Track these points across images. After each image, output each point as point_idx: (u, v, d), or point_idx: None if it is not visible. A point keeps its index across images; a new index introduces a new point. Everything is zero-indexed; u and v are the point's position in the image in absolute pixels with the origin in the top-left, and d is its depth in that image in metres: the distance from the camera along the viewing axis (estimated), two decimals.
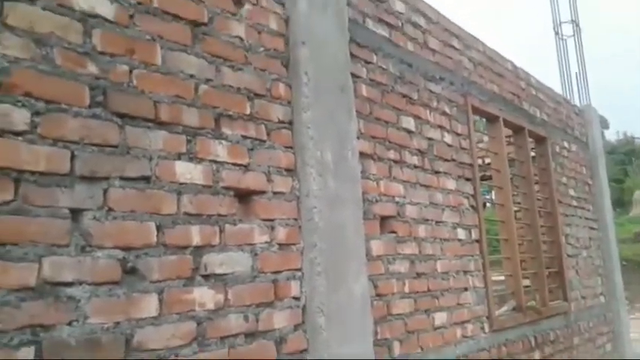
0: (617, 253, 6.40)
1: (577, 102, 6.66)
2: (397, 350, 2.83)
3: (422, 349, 3.02)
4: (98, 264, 1.66)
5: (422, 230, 3.24)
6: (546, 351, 4.43)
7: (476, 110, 4.12)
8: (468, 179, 3.83)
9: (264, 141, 2.30)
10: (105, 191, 1.71)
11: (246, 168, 2.18)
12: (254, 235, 2.17)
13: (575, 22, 6.88)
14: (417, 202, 3.24)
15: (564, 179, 5.53)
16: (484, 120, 4.56)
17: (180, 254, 1.89)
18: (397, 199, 3.08)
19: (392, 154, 3.11)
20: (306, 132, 2.43)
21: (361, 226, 2.64)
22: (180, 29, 2.05)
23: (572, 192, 5.65)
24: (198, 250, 1.94)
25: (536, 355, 4.26)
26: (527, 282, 4.69)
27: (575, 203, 5.66)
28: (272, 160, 2.31)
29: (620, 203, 35.55)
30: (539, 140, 5.19)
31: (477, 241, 3.79)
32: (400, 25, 3.38)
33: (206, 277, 1.95)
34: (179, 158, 1.94)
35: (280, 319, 2.20)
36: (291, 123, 2.45)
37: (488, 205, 8.63)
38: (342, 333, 2.37)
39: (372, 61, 3.07)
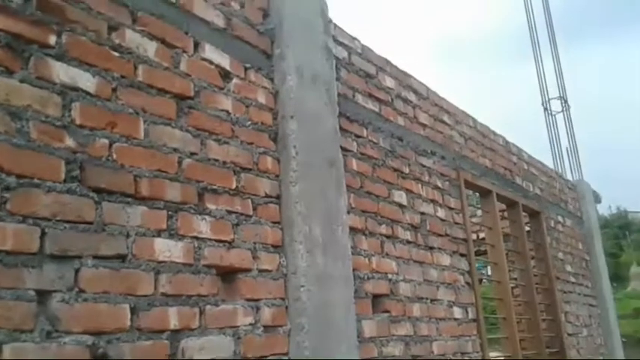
0: (618, 331, 6.19)
1: (569, 177, 6.67)
2: None
3: None
4: (65, 350, 1.53)
5: (416, 309, 3.10)
6: None
7: (468, 184, 4.08)
8: (462, 255, 3.73)
9: (250, 216, 2.22)
10: (76, 271, 1.60)
11: (230, 244, 2.08)
12: (237, 316, 2.03)
13: (563, 99, 7.02)
14: (410, 279, 3.12)
15: (560, 254, 5.42)
16: (477, 194, 4.52)
17: (155, 339, 1.75)
18: (390, 276, 2.96)
19: (384, 229, 3.02)
20: (295, 207, 2.35)
21: (352, 306, 2.51)
22: (165, 103, 2.02)
23: (569, 268, 5.53)
24: (176, 335, 1.81)
25: None
26: None
27: (572, 279, 5.53)
28: (258, 236, 2.22)
29: (617, 278, 35.19)
30: (534, 215, 5.13)
31: (474, 320, 3.63)
32: (390, 100, 3.39)
33: None
34: (159, 235, 1.85)
35: None
36: (278, 197, 2.38)
37: (485, 281, 8.47)
38: None
39: (362, 135, 3.04)
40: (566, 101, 6.97)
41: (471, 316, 3.60)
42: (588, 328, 5.57)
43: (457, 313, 3.48)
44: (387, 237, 3.04)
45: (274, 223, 2.32)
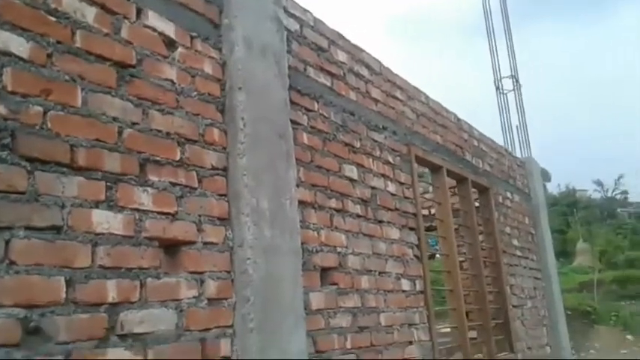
0: (562, 303, 6.46)
1: (518, 154, 6.84)
2: None
3: None
4: None
5: (365, 281, 3.14)
6: None
7: (419, 160, 4.13)
8: (412, 229, 3.79)
9: (195, 188, 2.18)
10: (7, 242, 1.54)
11: (173, 217, 2.05)
12: (180, 289, 2.01)
13: (514, 77, 7.16)
14: (359, 252, 3.15)
15: (508, 229, 5.58)
16: (428, 170, 4.58)
17: (93, 312, 1.71)
18: (339, 249, 2.98)
19: (334, 203, 3.03)
20: (242, 179, 2.32)
21: (300, 278, 2.52)
22: (105, 70, 1.94)
23: (515, 242, 5.70)
24: (115, 308, 1.77)
25: None
26: (473, 334, 4.63)
27: (519, 253, 5.71)
28: (203, 209, 2.19)
29: (564, 254, 36.64)
30: (483, 190, 5.25)
31: (422, 292, 3.71)
32: (342, 74, 3.38)
33: (123, 337, 1.78)
34: (97, 206, 1.80)
35: None
36: (225, 170, 2.34)
37: (438, 256, 8.65)
38: None
39: (313, 108, 3.02)
40: (517, 80, 7.12)
41: (418, 288, 3.68)
42: (533, 300, 5.78)
43: (405, 285, 3.54)
44: (337, 211, 3.05)
45: (221, 195, 2.29)
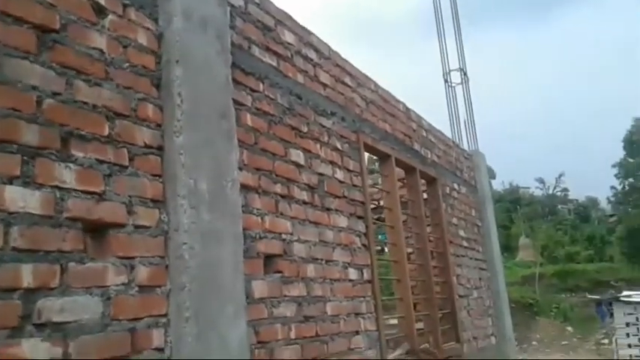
0: (507, 294, 6.56)
1: (466, 147, 6.90)
2: None
3: None
4: None
5: (311, 270, 3.04)
6: None
7: (368, 148, 4.06)
8: (360, 217, 3.71)
9: (126, 167, 2.02)
10: None
11: (100, 197, 1.88)
12: (107, 275, 1.85)
13: (462, 71, 7.22)
14: (305, 239, 3.05)
15: (455, 220, 5.61)
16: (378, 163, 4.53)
17: (5, 298, 1.54)
18: (284, 236, 2.87)
19: (279, 188, 2.91)
20: (178, 159, 2.17)
21: (241, 265, 2.38)
22: (23, 34, 1.76)
23: (462, 233, 5.74)
24: (31, 294, 1.60)
25: None
26: (420, 324, 4.61)
27: (465, 244, 5.75)
28: (135, 189, 2.02)
29: (507, 249, 37.71)
30: (430, 181, 5.25)
31: (369, 281, 3.64)
32: (290, 55, 3.26)
33: (40, 326, 1.60)
34: (10, 182, 1.61)
35: None
36: (161, 149, 2.19)
37: (387, 250, 8.65)
38: None
39: (258, 89, 2.89)
40: (465, 74, 7.18)
41: (366, 277, 3.61)
42: (478, 291, 5.84)
43: (352, 274, 3.46)
44: (282, 196, 2.94)
45: (155, 175, 2.13)
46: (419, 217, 4.80)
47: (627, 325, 11.71)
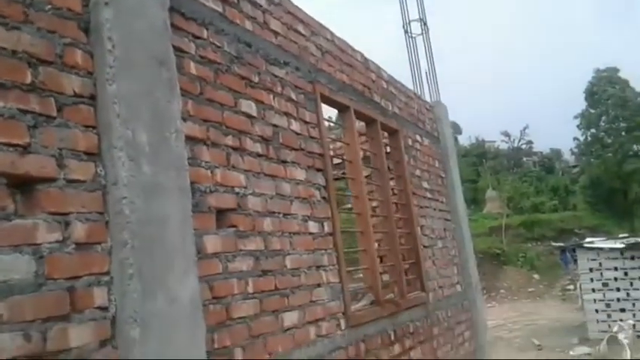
0: (471, 243, 6.64)
1: (428, 99, 6.83)
2: (240, 357, 2.50)
3: (270, 354, 2.72)
4: None
5: (267, 224, 2.96)
6: (406, 344, 4.36)
7: (325, 99, 3.95)
8: (319, 170, 3.63)
9: (54, 117, 1.87)
10: None
11: (24, 149, 1.74)
12: (38, 233, 1.73)
13: (423, 21, 7.09)
14: (261, 193, 2.95)
15: (418, 172, 5.58)
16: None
17: None
18: (237, 189, 2.77)
19: (230, 141, 2.79)
20: (113, 108, 2.03)
21: (190, 220, 2.28)
22: None
23: (425, 184, 5.73)
24: None
25: (396, 348, 4.16)
26: (386, 277, 4.62)
27: (429, 195, 5.75)
28: (65, 141, 1.89)
29: (475, 202, 38.47)
30: (392, 133, 5.18)
31: (331, 234, 3.59)
32: (236, 1, 3.09)
33: None
34: None
35: (79, 335, 1.78)
36: (93, 98, 2.04)
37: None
38: (163, 345, 1.99)
39: (201, 36, 2.73)
40: (425, 24, 7.06)
41: (327, 230, 3.55)
42: (443, 241, 5.88)
43: (312, 227, 3.40)
44: (234, 149, 2.82)
45: (88, 127, 1.99)
46: (381, 170, 4.75)
47: (590, 270, 12.05)
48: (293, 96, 3.50)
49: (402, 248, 4.88)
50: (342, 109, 4.29)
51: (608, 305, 11.74)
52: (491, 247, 24.81)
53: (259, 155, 3.02)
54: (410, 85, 6.48)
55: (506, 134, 52.78)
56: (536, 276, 23.76)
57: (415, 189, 5.38)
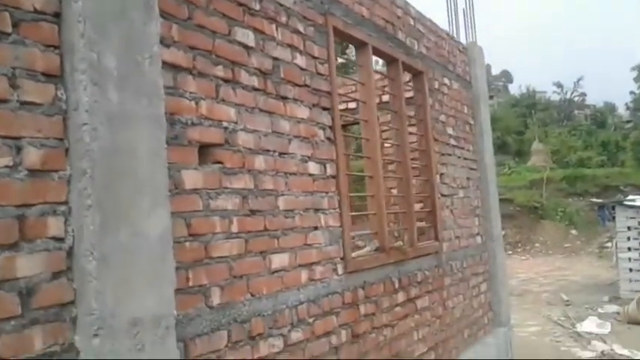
0: (497, 194, 6.38)
1: (463, 40, 6.41)
2: (217, 297, 2.43)
3: (252, 295, 2.65)
4: None
5: (260, 162, 2.82)
6: (412, 292, 4.25)
7: (339, 33, 3.70)
8: (325, 108, 3.44)
9: (8, 34, 1.74)
10: None
11: None
12: None
13: None
14: (254, 129, 2.81)
15: (442, 117, 5.31)
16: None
17: None
18: (226, 124, 2.63)
19: (220, 71, 2.63)
20: (77, 27, 1.88)
21: (163, 152, 2.16)
22: None
23: (450, 130, 5.45)
24: None
25: (400, 296, 4.06)
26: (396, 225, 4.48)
27: (453, 142, 5.49)
28: (20, 60, 1.76)
29: (520, 153, 37.47)
30: (416, 74, 4.90)
31: (334, 176, 3.44)
32: None
33: None
34: None
35: (29, 265, 1.71)
36: (57, 15, 1.89)
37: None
38: (123, 281, 1.92)
39: None
40: None
41: (330, 172, 3.40)
42: (465, 190, 5.65)
43: (313, 168, 3.25)
44: (226, 81, 2.66)
45: (49, 46, 1.86)
46: (400, 113, 4.51)
47: (628, 228, 11.60)
48: (300, 28, 3.28)
49: (418, 196, 4.70)
50: (358, 45, 4.03)
51: None
52: (531, 200, 24.22)
53: (255, 89, 2.85)
54: (445, 24, 6.08)
55: (559, 85, 50.72)
56: (573, 231, 23.17)
57: (438, 135, 5.13)
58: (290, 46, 3.17)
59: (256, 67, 2.88)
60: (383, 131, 5.24)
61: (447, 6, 6.44)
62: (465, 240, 5.49)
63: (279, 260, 2.85)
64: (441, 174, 5.09)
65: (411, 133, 4.71)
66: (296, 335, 2.90)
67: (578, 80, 49.96)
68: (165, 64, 2.30)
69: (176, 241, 2.25)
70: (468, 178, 5.75)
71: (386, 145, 4.77)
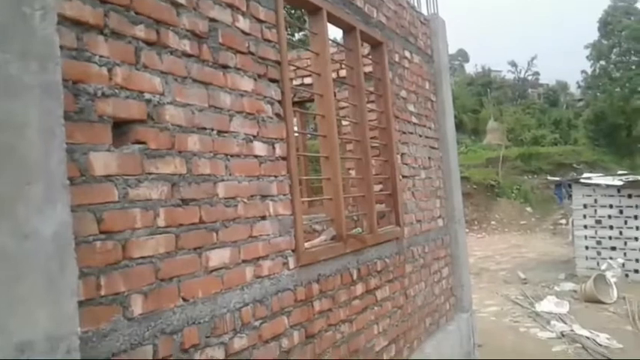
0: (458, 174, 6.11)
1: (424, 11, 6.04)
2: (138, 306, 2.01)
3: (185, 299, 2.23)
4: None
5: (194, 142, 2.39)
6: (372, 283, 3.92)
7: None
8: (273, 80, 3.01)
9: None
10: None
11: None
12: None
13: None
14: (185, 103, 2.36)
15: (403, 93, 4.95)
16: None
17: None
18: (149, 96, 2.18)
19: (141, 32, 2.17)
20: None
21: (60, 130, 1.70)
22: None
23: (412, 108, 5.11)
24: None
25: (359, 288, 3.72)
26: (355, 210, 4.12)
27: (414, 120, 5.14)
28: None
29: (476, 132, 37.87)
30: (376, 45, 4.51)
31: (284, 158, 3.03)
32: None
33: None
34: None
35: None
36: None
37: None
38: (3, 295, 1.48)
39: None
40: None
41: (279, 153, 2.99)
42: (427, 171, 5.33)
43: (259, 149, 2.84)
44: (149, 43, 2.20)
45: None
46: (357, 87, 4.12)
47: (584, 206, 11.65)
48: None
49: (377, 177, 4.35)
50: (312, 10, 3.61)
51: (599, 243, 11.42)
52: (487, 178, 24.43)
53: (187, 55, 2.40)
54: None
55: (513, 64, 51.33)
56: (528, 209, 23.54)
57: (398, 112, 4.77)
58: (230, 5, 2.72)
59: (188, 28, 2.42)
60: (341, 108, 4.88)
61: None
62: (427, 223, 5.19)
63: (218, 257, 2.44)
64: (402, 154, 4.75)
65: (370, 110, 4.33)
66: (240, 342, 2.51)
67: (532, 59, 50.69)
68: (67, 20, 1.85)
69: (83, 241, 1.82)
70: (429, 158, 5.43)
71: (344, 123, 4.40)
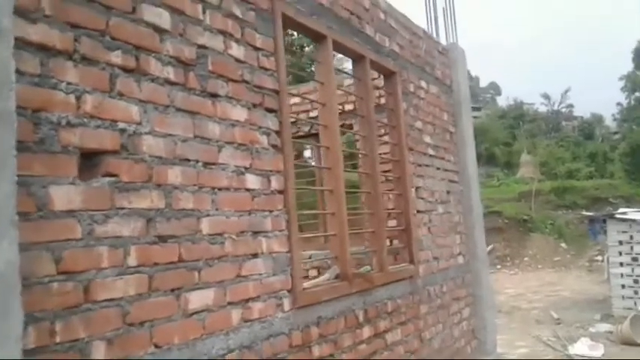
0: (481, 208, 5.82)
1: (443, 41, 5.88)
2: (100, 354, 1.83)
3: (158, 346, 2.04)
4: None
5: (175, 174, 2.23)
6: (381, 325, 3.66)
7: (290, 22, 3.14)
8: (270, 110, 2.87)
9: None
10: None
11: None
12: None
13: None
14: (166, 133, 2.22)
15: (419, 124, 4.75)
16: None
17: None
18: (123, 125, 2.04)
19: (118, 58, 2.05)
20: None
21: (11, 161, 1.56)
22: None
23: (428, 139, 4.90)
24: None
25: (366, 331, 3.46)
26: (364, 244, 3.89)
27: (431, 152, 4.93)
28: None
29: (509, 165, 37.22)
30: (388, 75, 4.34)
31: (281, 192, 2.86)
32: None
33: None
34: None
35: None
36: None
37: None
38: None
39: None
40: None
41: (275, 186, 2.82)
42: (445, 205, 5.08)
43: (252, 182, 2.67)
44: (126, 70, 2.08)
45: None
46: (367, 117, 3.95)
47: (620, 243, 11.10)
48: (237, 12, 2.71)
49: (393, 212, 4.13)
50: (316, 38, 3.48)
51: (636, 281, 10.81)
52: (519, 212, 23.76)
53: (170, 83, 2.27)
54: (424, 25, 5.54)
55: (546, 96, 50.77)
56: (563, 245, 22.71)
57: (413, 144, 4.57)
58: (222, 32, 2.60)
59: (172, 55, 2.30)
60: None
61: (426, 6, 5.92)
62: (445, 261, 4.91)
63: (199, 299, 2.25)
64: (417, 187, 4.52)
65: (383, 143, 4.15)
66: None
67: (566, 92, 50.03)
68: (30, 45, 1.73)
69: (37, 282, 1.67)
70: (448, 192, 5.18)
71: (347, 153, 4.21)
